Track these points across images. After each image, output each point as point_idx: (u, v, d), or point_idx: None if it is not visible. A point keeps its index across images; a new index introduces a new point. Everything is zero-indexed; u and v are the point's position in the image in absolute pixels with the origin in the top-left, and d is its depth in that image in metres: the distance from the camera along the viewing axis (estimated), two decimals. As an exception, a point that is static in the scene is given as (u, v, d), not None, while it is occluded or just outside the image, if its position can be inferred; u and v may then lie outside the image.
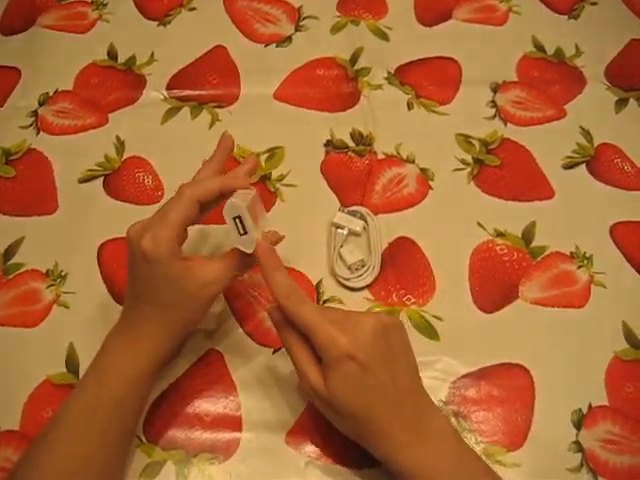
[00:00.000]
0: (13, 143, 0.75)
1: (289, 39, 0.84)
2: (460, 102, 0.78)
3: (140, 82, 0.80)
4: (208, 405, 0.60)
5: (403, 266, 0.66)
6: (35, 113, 0.77)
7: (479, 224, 0.69)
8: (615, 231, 0.69)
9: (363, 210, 0.69)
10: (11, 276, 0.67)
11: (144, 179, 0.73)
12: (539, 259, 0.67)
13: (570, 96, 0.79)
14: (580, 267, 0.67)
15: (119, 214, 0.70)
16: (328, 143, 0.75)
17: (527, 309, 0.65)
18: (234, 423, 0.59)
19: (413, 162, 0.73)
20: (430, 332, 0.63)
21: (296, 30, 0.84)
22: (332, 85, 0.79)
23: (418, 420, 0.51)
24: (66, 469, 0.50)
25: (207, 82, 0.80)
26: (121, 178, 0.73)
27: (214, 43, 0.83)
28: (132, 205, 0.71)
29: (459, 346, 0.62)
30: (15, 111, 0.78)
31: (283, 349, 0.62)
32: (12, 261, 0.67)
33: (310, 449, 0.58)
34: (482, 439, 0.58)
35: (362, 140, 0.75)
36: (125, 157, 0.74)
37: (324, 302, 0.65)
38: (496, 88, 0.79)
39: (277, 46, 0.83)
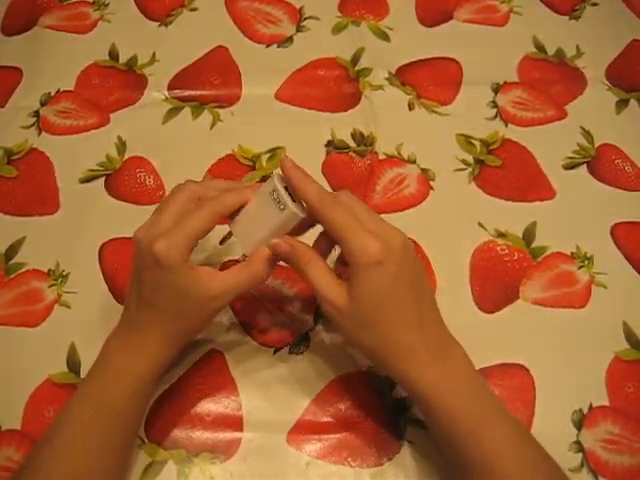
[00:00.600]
0: (15, 143, 0.75)
1: (290, 39, 0.84)
2: (461, 102, 0.78)
3: (141, 82, 0.80)
4: (209, 405, 0.60)
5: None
6: (37, 113, 0.77)
7: (480, 224, 0.69)
8: (616, 231, 0.69)
9: (364, 210, 0.69)
10: (12, 276, 0.67)
11: (145, 179, 0.73)
12: (540, 259, 0.67)
13: (571, 97, 0.79)
14: (581, 267, 0.67)
15: (120, 214, 0.70)
16: (329, 143, 0.75)
17: (528, 309, 0.65)
18: (235, 423, 0.59)
19: (414, 162, 0.74)
20: (431, 332, 0.63)
21: (297, 30, 0.84)
22: (333, 85, 0.80)
23: (438, 344, 0.51)
24: (70, 475, 0.50)
25: (208, 82, 0.80)
26: (122, 178, 0.73)
27: (215, 43, 0.83)
28: (133, 205, 0.71)
29: (460, 346, 0.62)
30: (17, 111, 0.78)
31: (284, 349, 0.62)
32: (13, 261, 0.67)
33: (311, 448, 0.58)
34: (483, 439, 0.58)
35: (363, 140, 0.75)
36: (126, 157, 0.74)
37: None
38: (497, 89, 0.79)
39: (278, 46, 0.83)
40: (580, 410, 0.60)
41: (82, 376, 0.61)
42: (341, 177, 0.73)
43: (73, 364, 0.61)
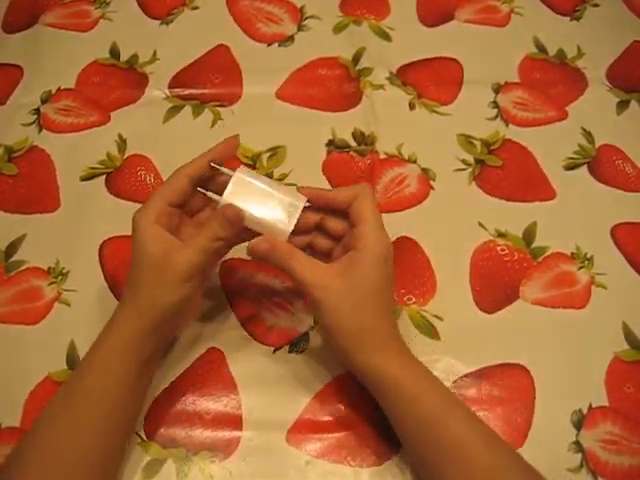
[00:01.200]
0: (15, 141, 0.75)
1: (291, 39, 0.84)
2: (462, 102, 0.78)
3: (142, 81, 0.80)
4: (209, 403, 0.60)
5: (404, 266, 0.66)
6: (37, 111, 0.77)
7: (480, 224, 0.70)
8: (616, 232, 0.69)
9: (364, 210, 0.69)
10: (12, 273, 0.67)
11: (146, 177, 0.73)
12: (540, 259, 0.67)
13: (572, 97, 0.79)
14: (581, 268, 0.67)
15: (121, 212, 0.70)
16: (330, 143, 0.75)
17: (528, 309, 0.65)
18: (235, 421, 0.59)
19: (415, 162, 0.74)
20: (431, 332, 0.63)
21: (298, 30, 0.84)
22: (334, 85, 0.80)
23: (401, 338, 0.56)
24: (46, 462, 0.50)
25: (209, 81, 0.80)
26: (123, 176, 0.73)
27: (216, 42, 0.83)
28: (134, 203, 0.71)
29: (460, 346, 0.62)
30: (17, 109, 0.78)
31: (284, 348, 0.62)
32: (13, 258, 0.67)
33: (311, 448, 0.58)
34: (482, 439, 0.58)
35: (364, 140, 0.75)
36: (127, 155, 0.74)
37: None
38: (498, 89, 0.79)
39: (279, 46, 0.83)
40: (580, 410, 0.60)
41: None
42: (342, 176, 0.73)
43: (73, 362, 0.61)
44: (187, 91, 0.79)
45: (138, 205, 0.69)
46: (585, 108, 0.78)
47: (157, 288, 0.52)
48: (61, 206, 0.71)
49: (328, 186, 0.72)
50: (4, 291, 0.66)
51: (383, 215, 0.68)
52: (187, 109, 0.78)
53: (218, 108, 0.78)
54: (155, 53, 0.82)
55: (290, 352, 0.62)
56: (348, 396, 0.60)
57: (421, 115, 0.77)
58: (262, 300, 0.65)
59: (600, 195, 0.72)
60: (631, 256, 0.68)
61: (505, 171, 0.73)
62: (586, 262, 0.67)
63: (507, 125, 0.77)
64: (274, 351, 0.62)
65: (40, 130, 0.76)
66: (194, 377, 0.61)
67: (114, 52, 0.83)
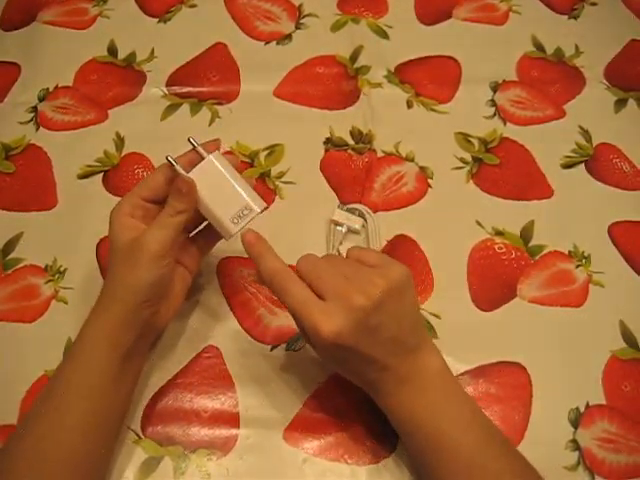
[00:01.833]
0: (13, 138, 0.75)
1: (289, 37, 0.84)
2: (460, 101, 0.78)
3: (140, 78, 0.80)
4: (206, 401, 0.60)
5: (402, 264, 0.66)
6: (35, 109, 0.77)
7: (478, 223, 0.70)
8: (613, 230, 0.69)
9: (362, 208, 0.69)
10: (10, 271, 0.67)
11: (143, 175, 0.73)
12: (537, 258, 0.68)
13: (569, 96, 0.79)
14: (578, 266, 0.67)
15: (118, 210, 0.70)
16: (328, 141, 0.75)
17: (525, 308, 0.65)
18: (232, 419, 0.59)
19: (412, 160, 0.74)
20: (428, 330, 0.63)
21: (296, 28, 0.84)
22: (332, 83, 0.80)
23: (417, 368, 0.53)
24: (39, 464, 0.50)
25: (207, 79, 0.80)
26: (120, 174, 0.73)
27: (214, 40, 0.83)
28: (131, 201, 0.71)
29: (457, 344, 0.62)
30: (15, 106, 0.78)
31: (281, 345, 0.62)
32: (11, 256, 0.67)
33: (308, 446, 0.58)
34: (479, 437, 0.58)
35: (362, 138, 0.75)
36: (124, 153, 0.74)
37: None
38: (496, 87, 0.79)
39: (277, 44, 0.83)
40: (577, 409, 0.60)
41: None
42: (339, 174, 0.73)
43: (70, 360, 0.61)
44: (185, 89, 0.79)
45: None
46: (583, 107, 0.78)
47: (130, 272, 0.52)
48: (58, 204, 0.71)
49: (326, 185, 0.72)
50: (1, 289, 0.66)
51: (381, 214, 0.69)
52: (185, 107, 0.78)
53: (216, 106, 0.78)
54: (153, 51, 0.82)
55: (287, 350, 0.62)
56: (345, 394, 0.60)
57: (419, 113, 0.77)
58: (259, 298, 0.65)
59: (598, 193, 0.72)
60: (628, 254, 0.68)
61: (503, 169, 0.73)
62: (583, 260, 0.67)
63: (505, 123, 0.77)
64: (271, 349, 0.62)
65: (37, 128, 0.76)
66: (191, 375, 0.61)
67: (112, 50, 0.82)
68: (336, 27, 0.84)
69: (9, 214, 0.70)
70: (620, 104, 0.79)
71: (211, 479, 0.56)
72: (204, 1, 0.87)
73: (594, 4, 0.88)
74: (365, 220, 0.69)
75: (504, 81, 0.80)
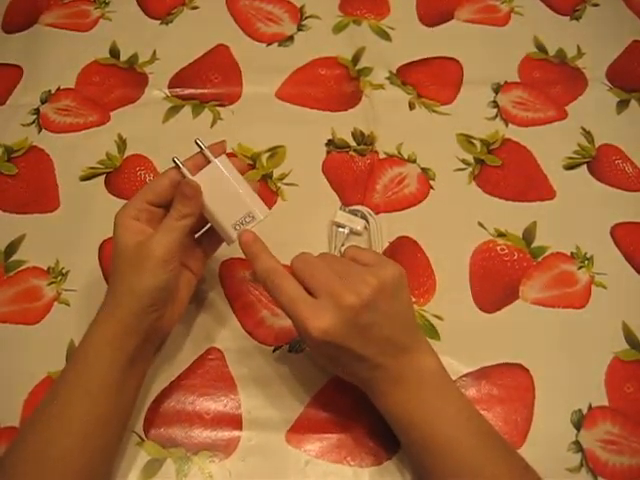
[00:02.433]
0: (15, 141, 0.75)
1: (291, 38, 0.84)
2: (461, 102, 0.78)
3: (142, 80, 0.80)
4: (208, 403, 0.60)
5: (404, 265, 0.65)
6: (37, 111, 0.77)
7: (480, 224, 0.70)
8: (616, 232, 0.69)
9: (364, 209, 0.69)
10: (12, 273, 0.67)
11: (146, 177, 0.73)
12: (540, 259, 0.67)
13: (571, 97, 0.79)
14: (581, 268, 0.67)
15: (120, 212, 0.70)
16: (329, 142, 0.75)
17: (527, 309, 0.65)
18: (234, 421, 0.59)
19: (414, 162, 0.74)
20: (430, 331, 0.63)
21: (298, 30, 0.84)
22: (334, 84, 0.80)
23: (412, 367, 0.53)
24: (42, 466, 0.50)
25: (209, 81, 0.80)
26: (122, 176, 0.73)
27: (216, 42, 0.83)
28: (133, 203, 0.71)
29: (459, 346, 0.62)
30: (17, 109, 0.78)
31: (284, 347, 0.62)
32: (13, 258, 0.67)
33: (310, 447, 0.58)
34: (482, 438, 0.58)
35: (363, 139, 0.75)
36: (127, 155, 0.74)
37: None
38: (498, 88, 0.79)
39: (279, 45, 0.83)
40: (579, 410, 0.60)
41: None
42: (341, 176, 0.73)
43: (72, 362, 0.61)
44: (187, 91, 0.79)
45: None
46: (585, 108, 0.78)
47: (135, 276, 0.52)
48: (61, 206, 0.71)
49: (328, 186, 0.72)
50: (4, 291, 0.66)
51: (383, 215, 0.69)
52: (187, 109, 0.78)
53: (218, 108, 0.78)
54: (155, 53, 0.82)
55: (290, 352, 0.62)
56: (347, 396, 0.59)
57: (421, 115, 0.77)
58: (262, 300, 0.65)
59: (600, 195, 0.72)
60: (631, 255, 0.68)
61: (505, 171, 0.73)
62: (586, 262, 0.67)
63: (507, 125, 0.77)
64: (274, 351, 0.62)
65: (40, 130, 0.76)
66: (194, 377, 0.61)
67: (114, 52, 0.82)
68: (338, 29, 0.84)
69: (11, 216, 0.70)
70: (622, 105, 0.78)
71: (213, 481, 0.57)
72: (206, 3, 0.87)
73: (596, 5, 0.88)
74: (367, 222, 0.69)
75: (506, 82, 0.80)
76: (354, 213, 0.69)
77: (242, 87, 0.80)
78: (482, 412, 0.58)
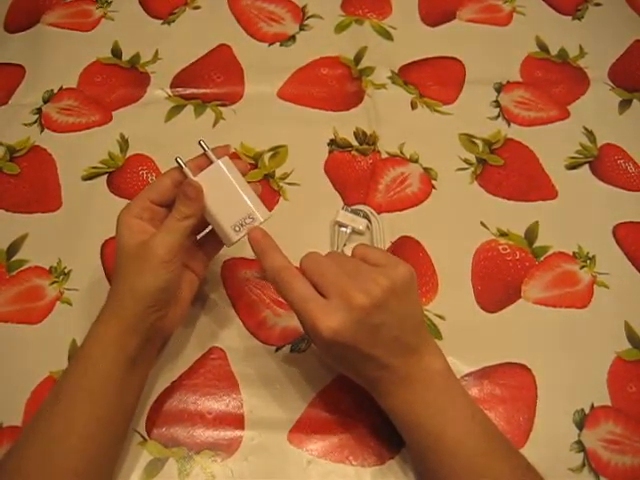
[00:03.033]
0: (17, 140, 0.75)
1: (293, 38, 0.84)
2: (464, 102, 0.78)
3: (144, 80, 0.80)
4: (211, 403, 0.60)
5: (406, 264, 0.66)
6: (39, 110, 0.77)
7: (482, 224, 0.69)
8: (618, 232, 0.69)
9: (366, 209, 0.69)
10: (14, 273, 0.67)
11: (148, 177, 0.73)
12: (542, 259, 0.67)
13: (574, 97, 0.79)
14: (583, 267, 0.67)
15: (123, 212, 0.70)
16: (332, 142, 0.75)
17: (529, 309, 0.65)
18: (236, 421, 0.59)
19: (416, 161, 0.74)
20: (433, 331, 0.63)
21: (300, 29, 0.84)
22: (336, 84, 0.80)
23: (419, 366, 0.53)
24: (37, 459, 0.50)
25: (211, 80, 0.80)
26: (125, 176, 0.73)
27: (218, 42, 0.83)
28: (136, 203, 0.71)
29: (462, 345, 0.62)
30: (19, 108, 0.78)
31: (286, 347, 0.62)
32: (15, 258, 0.67)
33: (312, 447, 0.58)
34: (484, 438, 0.58)
35: (366, 139, 0.75)
36: (129, 155, 0.74)
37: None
38: (500, 88, 0.79)
39: (281, 45, 0.83)
40: (582, 410, 0.60)
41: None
42: (343, 176, 0.73)
43: (74, 361, 0.61)
44: (189, 90, 0.79)
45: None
46: (587, 107, 0.78)
47: (137, 276, 0.52)
48: (63, 206, 0.71)
49: (330, 186, 0.72)
50: (6, 290, 0.66)
51: (386, 215, 0.69)
52: (189, 108, 0.78)
53: (220, 107, 0.78)
54: (157, 52, 0.82)
55: (292, 351, 0.62)
56: (350, 395, 0.59)
57: (423, 114, 0.77)
58: (264, 299, 0.65)
59: (602, 194, 0.72)
60: (633, 255, 0.68)
61: (507, 170, 0.73)
62: (588, 261, 0.67)
63: (509, 124, 0.77)
64: (276, 350, 0.62)
65: (42, 130, 0.76)
66: (196, 376, 0.61)
67: (116, 52, 0.83)
68: (340, 28, 0.84)
69: (13, 215, 0.70)
70: (624, 105, 0.78)
71: (215, 480, 0.57)
72: (208, 2, 0.87)
73: (598, 5, 0.88)
74: (369, 221, 0.68)
75: (508, 82, 0.80)
76: (356, 213, 0.69)
77: (244, 87, 0.80)
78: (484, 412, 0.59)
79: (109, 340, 0.53)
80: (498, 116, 0.77)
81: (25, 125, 0.76)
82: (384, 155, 0.74)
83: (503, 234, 0.69)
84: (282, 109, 0.78)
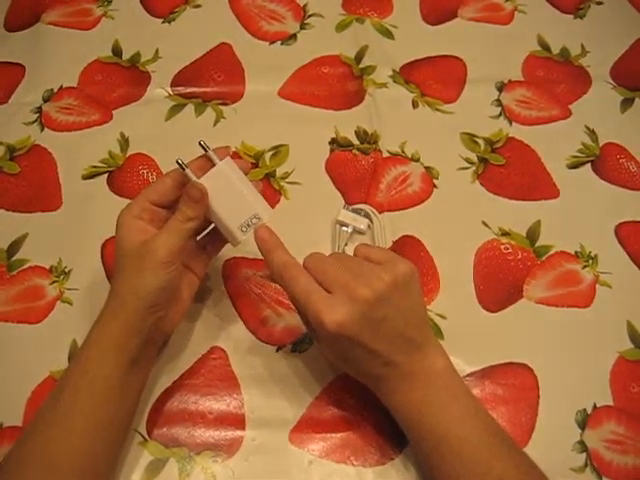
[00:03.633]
0: (17, 139, 0.75)
1: (294, 37, 0.83)
2: (465, 101, 0.78)
3: (144, 79, 0.80)
4: (211, 403, 0.60)
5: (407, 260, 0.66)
6: (39, 109, 0.77)
7: (484, 223, 0.69)
8: (620, 231, 0.69)
9: (368, 208, 0.69)
10: (15, 272, 0.66)
11: (148, 176, 0.73)
12: (544, 258, 0.67)
13: (575, 96, 0.79)
14: (585, 267, 0.67)
15: (123, 211, 0.70)
16: (333, 141, 0.75)
17: (531, 308, 0.65)
18: (237, 421, 0.59)
19: (418, 160, 0.73)
20: (434, 330, 0.63)
21: (301, 28, 0.84)
22: (337, 83, 0.79)
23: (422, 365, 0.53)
24: (45, 468, 0.50)
25: (212, 79, 0.80)
26: (125, 175, 0.73)
27: (219, 40, 0.83)
28: (136, 202, 0.71)
29: (463, 345, 0.62)
30: (19, 107, 0.78)
31: (287, 347, 0.62)
32: (16, 257, 0.67)
33: (314, 447, 0.58)
34: (486, 438, 0.58)
35: (367, 138, 0.75)
36: (129, 154, 0.74)
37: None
38: (501, 87, 0.79)
39: (282, 44, 0.83)
40: (584, 410, 0.59)
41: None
42: (345, 175, 0.72)
43: (75, 361, 0.61)
44: (189, 89, 0.79)
45: (141, 204, 0.69)
46: (589, 106, 0.78)
47: (138, 276, 0.52)
48: (63, 205, 0.71)
49: (331, 185, 0.72)
50: (6, 290, 0.65)
51: (387, 214, 0.69)
52: (189, 107, 0.78)
53: (220, 106, 0.78)
54: (157, 51, 0.82)
55: (293, 351, 0.62)
56: (351, 395, 0.59)
57: (424, 113, 0.77)
58: (265, 299, 0.65)
59: (604, 194, 0.72)
60: (635, 255, 0.68)
61: (509, 169, 0.73)
62: (590, 261, 0.67)
63: (511, 123, 0.76)
64: (277, 350, 0.62)
65: (42, 129, 0.76)
66: (197, 376, 0.61)
67: (116, 50, 0.82)
68: (341, 27, 0.84)
69: (14, 215, 0.70)
70: (626, 104, 0.78)
71: (216, 481, 0.56)
72: (208, 1, 0.87)
73: (600, 3, 0.88)
74: (371, 220, 0.68)
75: (510, 81, 0.80)
76: (357, 212, 0.68)
77: (245, 86, 0.79)
78: (486, 412, 0.59)
79: (109, 341, 0.53)
80: (500, 115, 0.77)
81: (25, 124, 0.76)
82: (385, 154, 0.74)
83: (505, 233, 0.69)
84: (283, 108, 0.78)
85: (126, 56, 0.82)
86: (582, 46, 0.83)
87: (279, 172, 0.73)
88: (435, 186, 0.72)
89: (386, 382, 0.53)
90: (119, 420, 0.54)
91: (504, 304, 0.65)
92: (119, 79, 0.80)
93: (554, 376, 0.61)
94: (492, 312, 0.65)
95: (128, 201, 0.69)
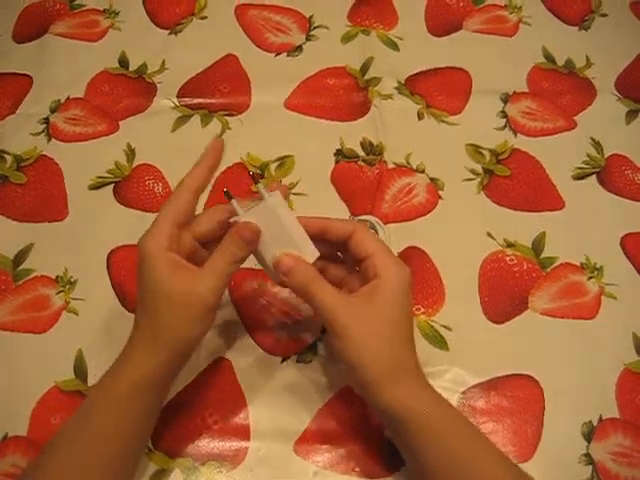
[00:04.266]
0: (24, 150, 0.75)
1: (300, 48, 0.84)
2: (470, 112, 0.78)
3: (151, 90, 0.80)
4: (216, 413, 0.60)
5: (412, 276, 0.66)
6: (46, 120, 0.78)
7: (489, 234, 0.69)
8: (626, 242, 0.69)
9: (373, 219, 0.69)
10: (21, 282, 0.67)
11: (154, 186, 0.73)
12: (549, 270, 0.67)
13: (580, 107, 0.79)
14: (590, 278, 0.67)
15: (129, 221, 0.70)
16: (338, 152, 0.75)
17: (537, 320, 0.65)
18: (242, 432, 0.59)
19: (423, 172, 0.73)
20: (439, 342, 0.63)
21: (307, 39, 0.85)
22: (342, 94, 0.80)
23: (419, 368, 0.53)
24: (66, 475, 0.49)
25: (218, 90, 0.80)
26: (131, 185, 0.73)
27: (225, 52, 0.83)
28: (142, 212, 0.71)
29: (468, 356, 0.62)
30: (27, 118, 0.78)
31: (292, 358, 0.62)
32: (22, 267, 0.67)
33: (318, 458, 0.58)
34: (491, 450, 0.58)
35: (372, 149, 0.75)
36: (135, 164, 0.74)
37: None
38: (506, 98, 0.79)
39: (288, 55, 0.83)
40: (590, 422, 0.59)
41: (89, 383, 0.61)
42: (350, 186, 0.73)
43: (80, 371, 0.61)
44: (196, 100, 0.79)
45: (147, 214, 0.70)
46: (594, 118, 0.78)
47: (183, 323, 0.50)
48: (69, 215, 0.71)
49: (337, 196, 0.72)
50: (12, 299, 0.66)
51: (392, 225, 0.69)
52: (196, 118, 0.78)
53: (226, 117, 0.78)
54: (164, 62, 0.82)
55: (298, 362, 0.62)
56: (356, 407, 0.59)
57: (429, 125, 0.77)
58: (270, 310, 0.65)
59: (609, 205, 0.72)
60: (641, 266, 0.68)
61: (514, 181, 0.73)
62: (595, 272, 0.67)
63: (516, 135, 0.76)
64: (282, 361, 0.62)
65: (49, 139, 0.76)
66: (202, 387, 0.61)
67: (123, 61, 0.83)
68: (346, 38, 0.85)
69: (20, 225, 0.70)
70: (631, 115, 0.78)
71: (221, 492, 0.56)
72: (215, 13, 0.87)
73: (605, 15, 0.88)
74: (376, 232, 0.68)
75: (515, 92, 0.80)
76: (362, 223, 0.69)
77: (251, 97, 0.80)
78: (491, 423, 0.59)
79: (148, 384, 0.50)
80: (505, 126, 0.77)
81: (32, 135, 0.77)
82: (391, 165, 0.74)
83: (510, 245, 0.69)
84: (288, 119, 0.78)
85: (133, 67, 0.82)
86: (587, 58, 0.83)
87: (285, 183, 0.73)
88: (440, 197, 0.72)
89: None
90: (140, 451, 0.55)
91: (509, 315, 0.65)
92: (126, 90, 0.80)
93: (560, 388, 0.61)
94: (497, 323, 0.65)
95: (134, 212, 0.71)
